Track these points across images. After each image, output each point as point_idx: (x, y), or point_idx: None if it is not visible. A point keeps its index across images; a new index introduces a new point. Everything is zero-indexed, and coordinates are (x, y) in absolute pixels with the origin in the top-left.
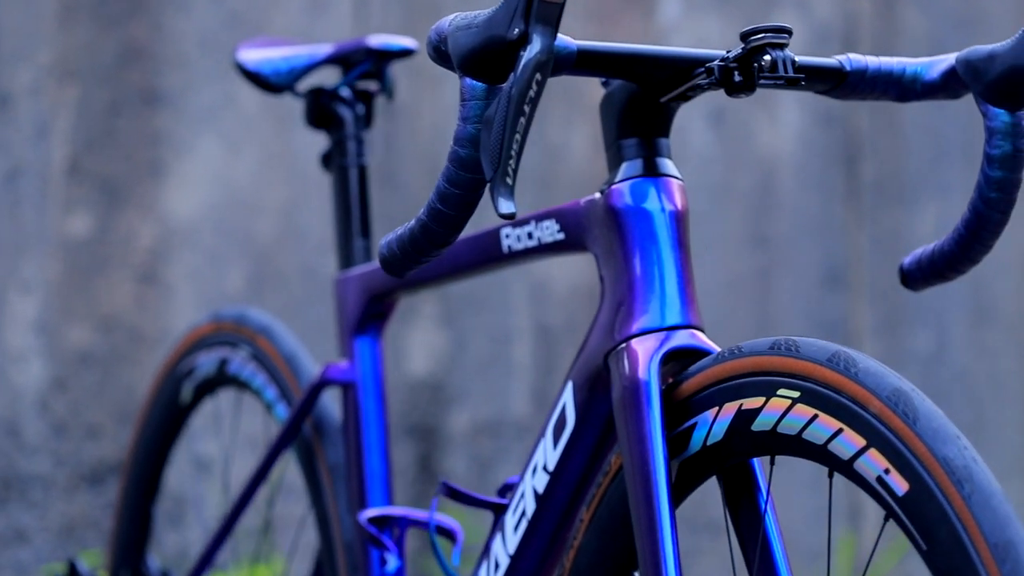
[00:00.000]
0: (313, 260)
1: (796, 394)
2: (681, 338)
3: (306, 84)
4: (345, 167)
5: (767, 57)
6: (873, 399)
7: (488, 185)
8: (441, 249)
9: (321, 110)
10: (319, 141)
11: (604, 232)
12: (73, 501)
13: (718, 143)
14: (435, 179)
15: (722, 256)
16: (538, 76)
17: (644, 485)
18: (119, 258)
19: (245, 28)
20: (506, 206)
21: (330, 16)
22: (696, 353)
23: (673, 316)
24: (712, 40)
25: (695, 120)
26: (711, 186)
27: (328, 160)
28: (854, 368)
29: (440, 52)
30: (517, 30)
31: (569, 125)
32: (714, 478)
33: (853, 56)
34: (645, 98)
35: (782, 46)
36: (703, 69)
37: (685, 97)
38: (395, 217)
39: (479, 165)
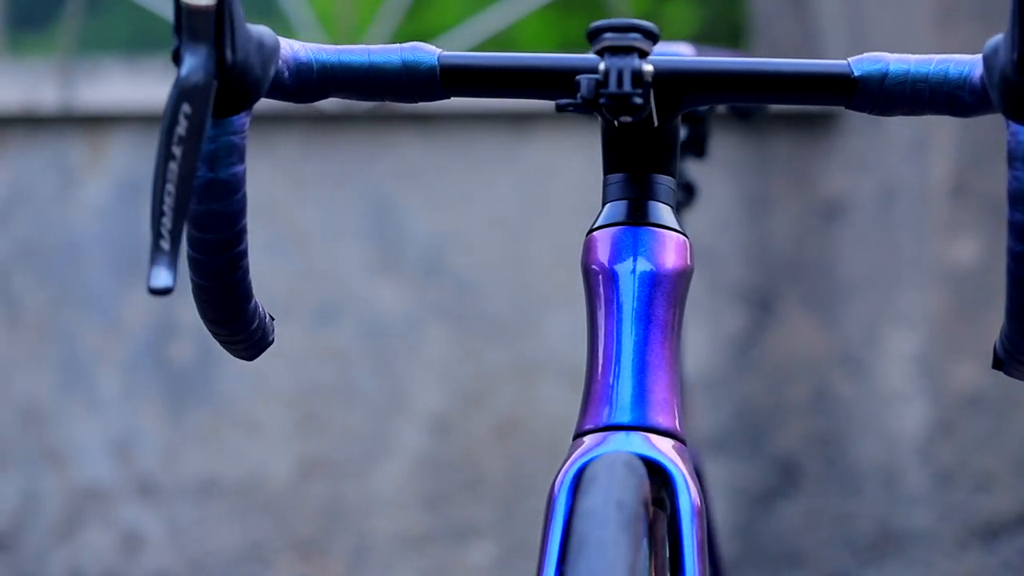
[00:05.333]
0: None
1: None
2: (624, 444)
3: None
4: None
5: (601, 66)
6: None
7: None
8: (216, 310)
9: None
10: None
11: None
12: (961, 559)
13: None
14: None
15: None
16: (186, 108)
17: None
18: None
19: None
20: (157, 278)
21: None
22: (647, 465)
23: (621, 413)
24: None
25: None
26: None
27: None
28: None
29: None
30: (174, 47)
31: None
32: None
33: (871, 56)
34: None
35: (627, 50)
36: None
37: (694, 116)
38: None
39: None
